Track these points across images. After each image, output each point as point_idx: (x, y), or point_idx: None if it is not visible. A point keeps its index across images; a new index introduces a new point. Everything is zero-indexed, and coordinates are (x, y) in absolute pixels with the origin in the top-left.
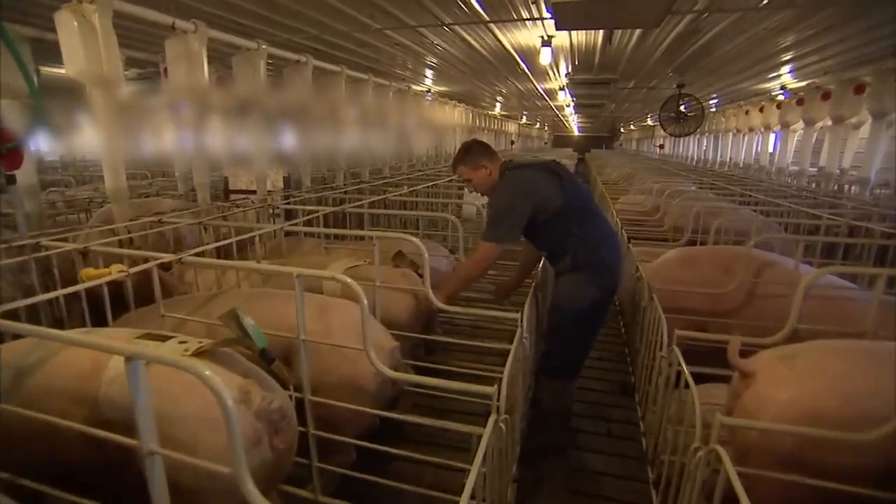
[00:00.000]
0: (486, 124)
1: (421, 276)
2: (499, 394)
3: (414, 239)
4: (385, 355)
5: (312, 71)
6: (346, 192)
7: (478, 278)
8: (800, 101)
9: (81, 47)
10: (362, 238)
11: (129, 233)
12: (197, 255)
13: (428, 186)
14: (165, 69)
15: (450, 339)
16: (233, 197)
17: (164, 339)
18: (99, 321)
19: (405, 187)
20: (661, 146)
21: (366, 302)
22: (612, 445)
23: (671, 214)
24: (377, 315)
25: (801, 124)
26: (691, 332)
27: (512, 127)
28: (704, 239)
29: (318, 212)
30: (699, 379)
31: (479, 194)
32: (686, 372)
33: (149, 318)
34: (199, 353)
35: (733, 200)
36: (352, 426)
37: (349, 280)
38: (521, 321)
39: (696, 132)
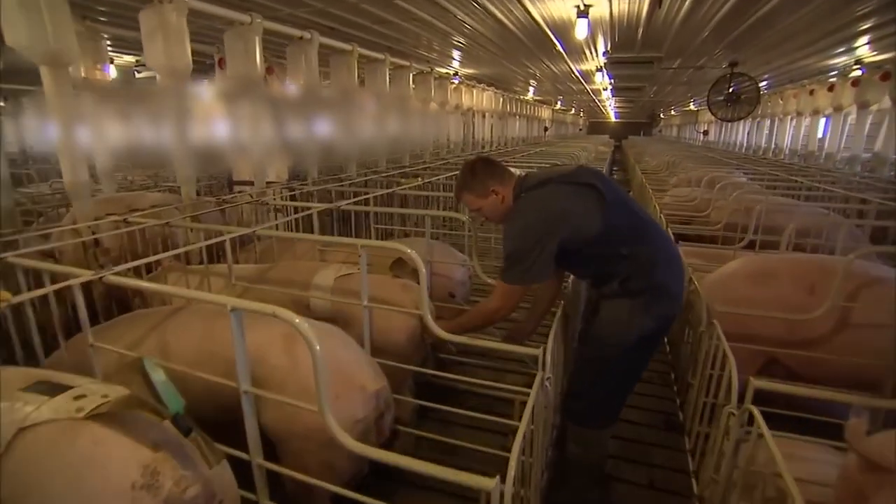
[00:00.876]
0: (517, 109)
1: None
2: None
3: (404, 248)
4: (364, 399)
5: (320, 49)
6: (351, 185)
7: (496, 323)
8: (855, 83)
9: (161, 42)
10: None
11: (94, 233)
12: (160, 261)
13: (448, 178)
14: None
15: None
16: (236, 189)
17: (58, 391)
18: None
19: (420, 179)
20: (705, 132)
21: (318, 348)
22: (655, 502)
23: (723, 210)
24: (365, 340)
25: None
26: (773, 384)
27: (545, 112)
28: (766, 241)
29: (310, 209)
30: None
31: (493, 223)
32: (772, 443)
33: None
34: (97, 415)
35: (796, 195)
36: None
37: (296, 319)
38: (543, 361)
39: (748, 117)
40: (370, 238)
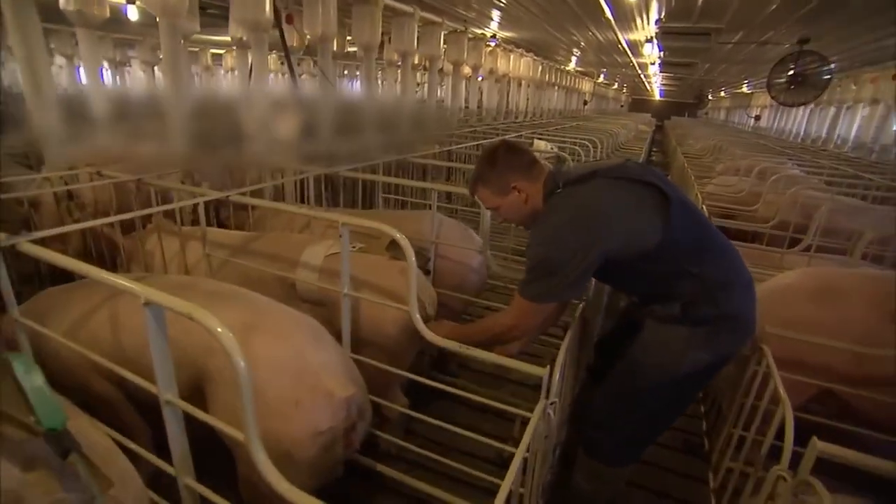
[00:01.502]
0: (557, 79)
1: (427, 272)
2: None
3: (388, 228)
4: (331, 408)
5: None
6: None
7: (507, 343)
8: None
9: None
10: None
11: (67, 184)
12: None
13: (471, 147)
14: None
15: (458, 392)
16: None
17: None
18: None
19: (437, 147)
20: (757, 117)
21: (242, 365)
22: None
23: (773, 206)
24: (344, 334)
25: None
26: (844, 452)
27: (586, 85)
28: (826, 246)
29: (305, 172)
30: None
31: (513, 224)
32: None
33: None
34: None
35: (863, 195)
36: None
37: (217, 327)
38: (549, 383)
39: (812, 102)
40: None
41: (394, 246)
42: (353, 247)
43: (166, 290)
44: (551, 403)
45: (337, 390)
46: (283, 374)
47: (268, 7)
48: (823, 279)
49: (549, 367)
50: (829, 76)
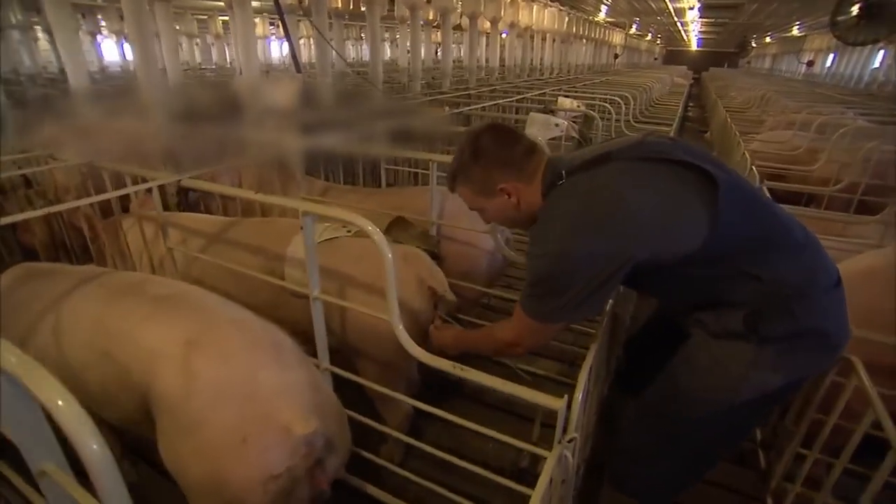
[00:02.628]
0: (585, 31)
1: (436, 256)
2: None
3: (360, 219)
4: (287, 446)
5: None
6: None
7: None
8: None
9: None
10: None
11: (20, 169)
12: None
13: (487, 108)
14: None
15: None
16: None
17: None
18: None
19: (447, 109)
20: (810, 63)
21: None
22: None
23: (834, 164)
24: (319, 347)
25: None
26: None
27: (617, 37)
28: None
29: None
30: None
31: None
32: None
33: None
34: None
35: None
36: None
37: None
38: (565, 419)
39: (886, 38)
40: (379, 185)
41: (396, 227)
42: (348, 231)
43: (109, 293)
44: (570, 440)
45: (295, 424)
46: (228, 404)
47: None
48: None
49: (566, 398)
50: None
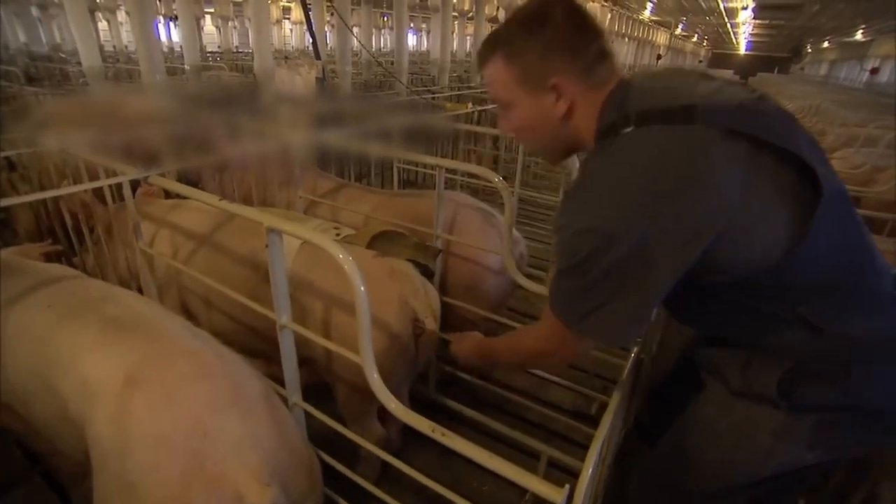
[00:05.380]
0: (628, 30)
1: (426, 272)
2: None
3: (327, 244)
4: None
5: None
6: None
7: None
8: None
9: None
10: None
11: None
12: None
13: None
14: None
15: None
16: None
17: None
18: None
19: (469, 105)
20: (874, 70)
21: None
22: None
23: None
24: (287, 379)
25: None
26: None
27: (661, 37)
28: None
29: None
30: None
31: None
32: None
33: None
34: None
35: None
36: None
37: None
38: None
39: None
40: (393, 186)
41: (383, 239)
42: (338, 234)
43: (63, 309)
44: None
45: (249, 491)
46: (169, 463)
47: None
48: None
49: (567, 489)
50: None
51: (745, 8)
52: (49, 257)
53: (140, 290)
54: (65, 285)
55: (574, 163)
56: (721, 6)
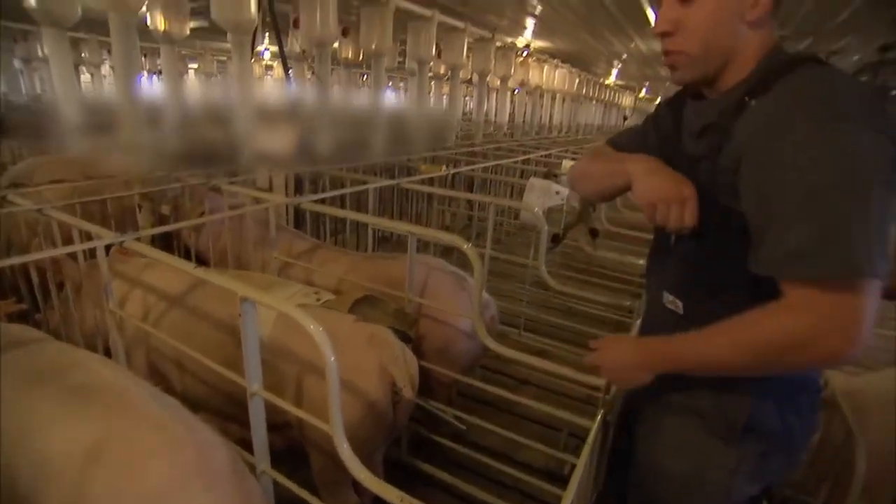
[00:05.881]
0: (594, 93)
1: (409, 340)
2: None
3: (301, 316)
4: None
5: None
6: (347, 171)
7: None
8: None
9: None
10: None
11: None
12: None
13: (490, 167)
14: None
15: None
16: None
17: None
18: None
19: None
20: None
21: None
22: None
23: None
24: (255, 447)
25: None
26: None
27: (627, 100)
28: None
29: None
30: None
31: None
32: None
33: None
34: None
35: None
36: None
37: None
38: None
39: None
40: (367, 248)
41: (365, 304)
42: (318, 299)
43: (24, 376)
44: None
45: None
46: None
47: (253, 6)
48: None
49: None
50: None
51: None
52: (10, 317)
53: (108, 351)
54: (28, 350)
55: (543, 224)
56: None
